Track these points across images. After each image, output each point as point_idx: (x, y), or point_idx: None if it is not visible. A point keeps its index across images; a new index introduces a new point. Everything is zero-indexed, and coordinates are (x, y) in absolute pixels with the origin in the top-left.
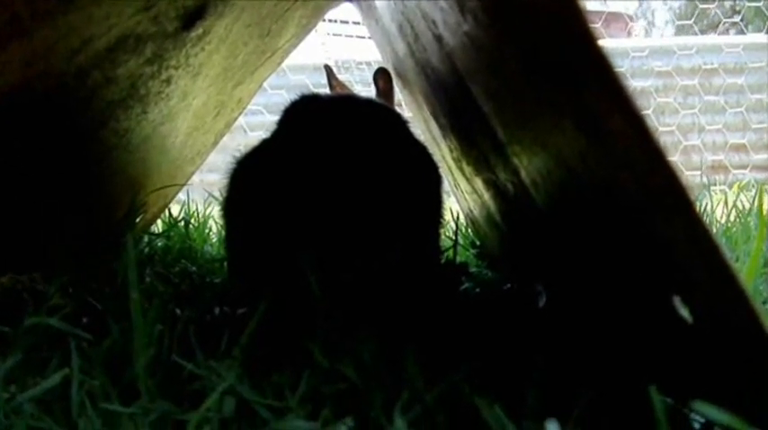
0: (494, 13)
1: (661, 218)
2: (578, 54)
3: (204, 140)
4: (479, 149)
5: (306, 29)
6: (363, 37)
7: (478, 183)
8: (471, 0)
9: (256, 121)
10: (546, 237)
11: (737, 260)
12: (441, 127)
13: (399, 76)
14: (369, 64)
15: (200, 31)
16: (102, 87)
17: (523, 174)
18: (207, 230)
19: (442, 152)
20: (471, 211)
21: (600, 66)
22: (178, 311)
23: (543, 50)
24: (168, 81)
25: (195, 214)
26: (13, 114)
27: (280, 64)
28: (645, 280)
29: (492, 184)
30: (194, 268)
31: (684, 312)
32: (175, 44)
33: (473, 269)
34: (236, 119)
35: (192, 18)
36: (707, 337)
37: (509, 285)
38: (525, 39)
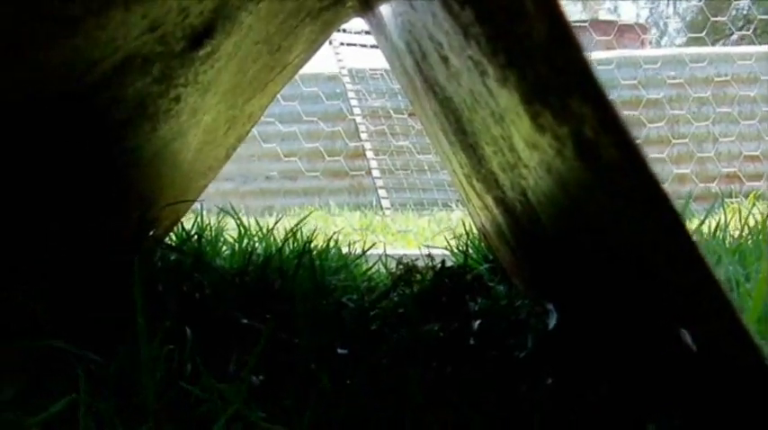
0: (496, 43)
1: (662, 256)
2: (578, 88)
3: (216, 154)
4: (488, 168)
5: (316, 44)
6: (376, 46)
7: (489, 199)
8: (475, 27)
9: (270, 131)
10: (553, 256)
11: (749, 279)
12: (450, 143)
13: (409, 90)
14: (382, 73)
15: (208, 49)
16: (110, 107)
17: (530, 194)
18: (220, 244)
19: (453, 167)
20: (483, 225)
21: (598, 99)
22: (188, 331)
23: (544, 81)
24: (177, 99)
25: (208, 227)
26: (23, 133)
27: (291, 78)
28: (649, 309)
29: (501, 202)
30: (206, 282)
31: (689, 340)
32: (183, 63)
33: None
34: (247, 132)
35: (199, 37)
36: (710, 366)
37: (521, 302)
38: (527, 69)
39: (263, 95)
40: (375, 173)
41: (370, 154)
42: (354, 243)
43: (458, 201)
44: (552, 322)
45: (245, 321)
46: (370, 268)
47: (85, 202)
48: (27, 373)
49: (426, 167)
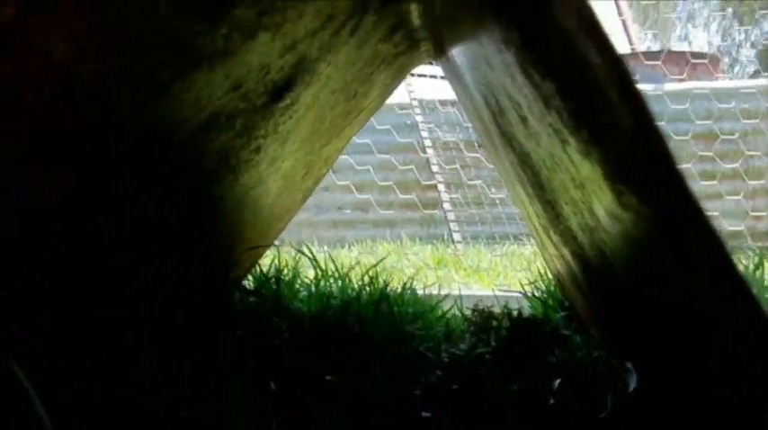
0: (578, 120)
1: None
2: (660, 176)
3: (293, 198)
4: (566, 225)
5: (390, 87)
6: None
7: (565, 251)
8: (556, 100)
9: (341, 163)
10: (628, 313)
11: None
12: (527, 195)
13: (484, 136)
14: (453, 103)
15: (287, 101)
16: (197, 161)
17: (608, 254)
18: (297, 285)
19: (528, 213)
20: (559, 272)
21: (679, 186)
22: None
23: (628, 166)
24: (258, 149)
25: (285, 267)
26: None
27: (367, 121)
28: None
29: (578, 256)
30: (284, 326)
31: None
32: (264, 116)
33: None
34: (324, 175)
35: (279, 91)
36: None
37: (598, 353)
38: (611, 151)
39: (339, 139)
40: (446, 206)
41: (441, 187)
42: (429, 284)
43: (529, 235)
44: (632, 383)
45: (328, 378)
46: (446, 313)
47: (173, 250)
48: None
49: (498, 201)
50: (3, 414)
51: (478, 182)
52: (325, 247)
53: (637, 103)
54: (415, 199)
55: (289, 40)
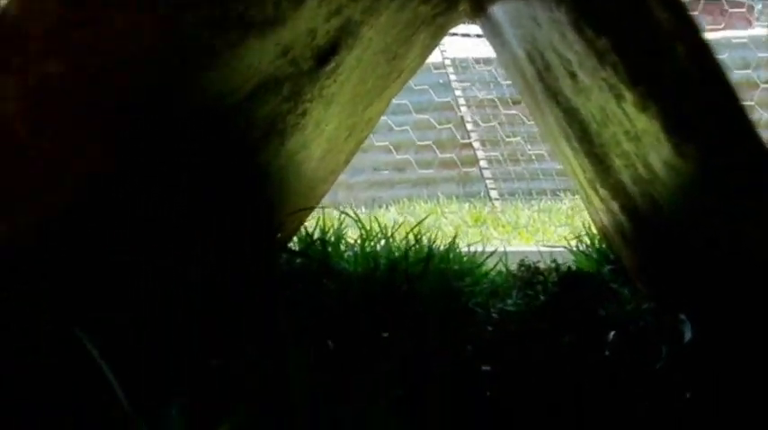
0: (637, 74)
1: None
2: (725, 126)
3: (336, 160)
4: (616, 178)
5: (430, 47)
6: (481, 35)
7: (614, 205)
8: (611, 55)
9: (379, 124)
10: (684, 264)
11: None
12: (573, 149)
13: (526, 93)
14: (486, 62)
15: (332, 65)
16: (246, 128)
17: (664, 206)
18: (342, 246)
19: (573, 168)
20: (605, 227)
21: (746, 133)
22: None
23: (691, 118)
24: (304, 113)
25: (330, 229)
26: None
27: (406, 82)
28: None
29: (627, 209)
30: (333, 287)
31: None
32: (311, 80)
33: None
34: (365, 137)
35: (325, 55)
36: None
37: (647, 305)
38: (671, 104)
39: (381, 101)
40: (483, 163)
41: (476, 144)
42: (470, 242)
43: (566, 190)
44: (688, 333)
45: (385, 334)
46: (492, 269)
47: (222, 215)
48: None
49: (534, 157)
50: (72, 381)
51: (514, 138)
52: (363, 208)
53: (706, 55)
54: (453, 157)
55: (334, 5)
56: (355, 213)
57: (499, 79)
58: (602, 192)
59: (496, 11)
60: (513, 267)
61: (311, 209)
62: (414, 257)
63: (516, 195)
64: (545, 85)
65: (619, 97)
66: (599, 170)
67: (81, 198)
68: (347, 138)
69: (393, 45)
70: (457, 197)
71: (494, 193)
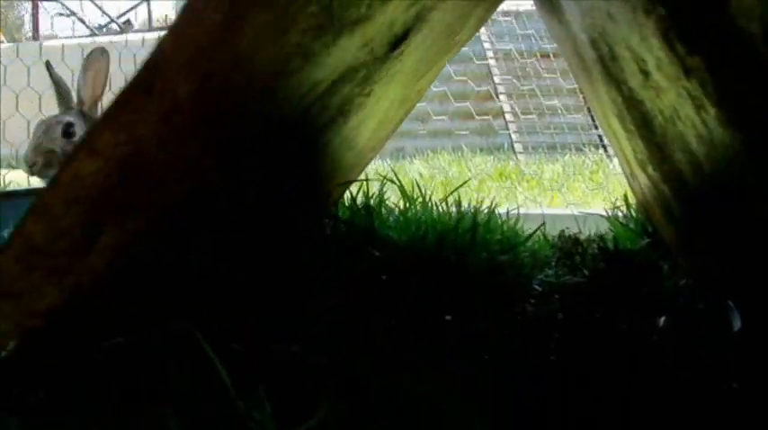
0: (727, 97)
1: None
2: None
3: (386, 129)
4: (673, 167)
5: (484, 20)
6: None
7: (664, 187)
8: (703, 73)
9: None
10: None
11: None
12: (626, 130)
13: (579, 68)
14: (514, 14)
15: (402, 49)
16: (318, 114)
17: (724, 199)
18: (384, 211)
19: (621, 146)
20: (647, 201)
21: None
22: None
23: None
24: (369, 94)
25: (372, 195)
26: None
27: (457, 53)
28: None
29: (680, 193)
30: (378, 253)
31: None
32: (382, 64)
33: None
34: (414, 106)
35: (398, 42)
36: None
37: (686, 281)
38: (755, 127)
39: (432, 72)
40: (508, 116)
41: (503, 97)
42: (500, 202)
43: (590, 143)
44: (737, 323)
45: (449, 317)
46: (531, 236)
47: (282, 191)
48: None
49: (559, 110)
50: (189, 382)
51: (539, 92)
52: (388, 160)
53: None
54: (477, 108)
55: None
56: (397, 178)
57: (525, 32)
58: (653, 173)
59: None
60: (547, 230)
61: (358, 181)
62: (456, 222)
63: (540, 148)
64: (607, 71)
65: (700, 107)
66: (655, 156)
67: (191, 200)
68: (399, 109)
69: (454, 23)
70: (480, 149)
71: (518, 147)
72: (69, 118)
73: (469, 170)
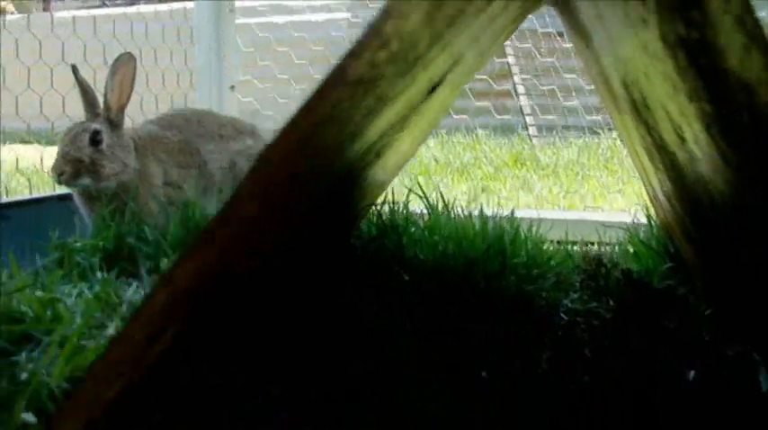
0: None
1: None
2: None
3: (415, 146)
4: (698, 204)
5: (511, 30)
6: None
7: (687, 219)
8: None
9: None
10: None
11: None
12: (654, 166)
13: (607, 95)
14: None
15: (437, 90)
16: (359, 162)
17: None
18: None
19: (649, 177)
20: (668, 222)
21: None
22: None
23: None
24: (402, 128)
25: (397, 207)
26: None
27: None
28: None
29: (703, 222)
30: (407, 277)
31: None
32: (418, 108)
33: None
34: (440, 121)
35: (435, 87)
36: None
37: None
38: None
39: (456, 89)
40: (522, 99)
41: (517, 78)
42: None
43: (606, 127)
44: (765, 384)
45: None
46: (555, 254)
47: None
48: None
49: (574, 93)
50: None
51: (554, 72)
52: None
53: None
54: (491, 88)
55: (454, 49)
56: (422, 190)
57: (543, 10)
58: (677, 204)
59: (586, 16)
60: (563, 235)
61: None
62: (480, 240)
63: (554, 130)
64: (638, 114)
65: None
66: (679, 190)
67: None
68: (427, 129)
69: (485, 50)
70: (494, 130)
71: (532, 130)
72: (96, 125)
73: (485, 156)
